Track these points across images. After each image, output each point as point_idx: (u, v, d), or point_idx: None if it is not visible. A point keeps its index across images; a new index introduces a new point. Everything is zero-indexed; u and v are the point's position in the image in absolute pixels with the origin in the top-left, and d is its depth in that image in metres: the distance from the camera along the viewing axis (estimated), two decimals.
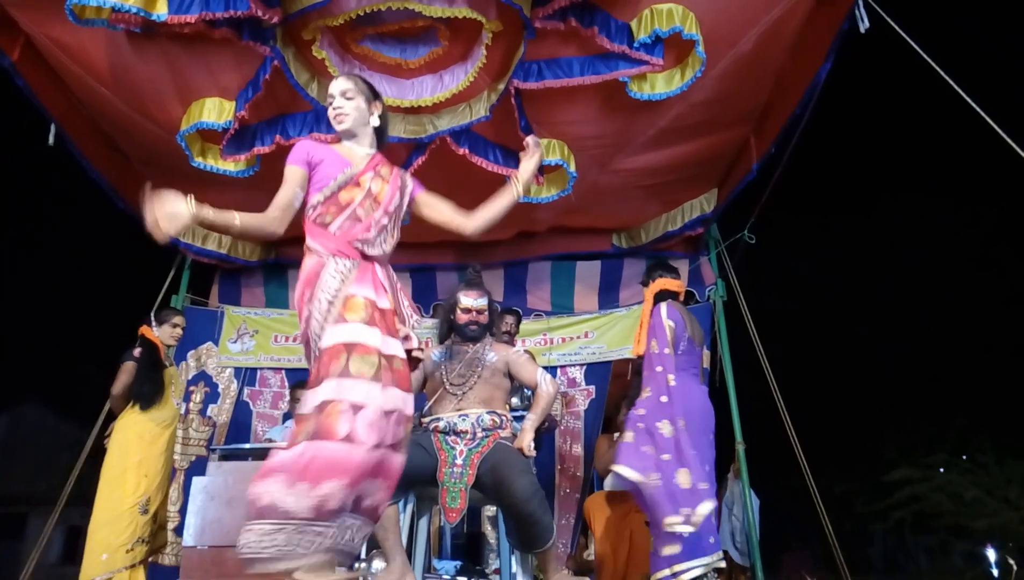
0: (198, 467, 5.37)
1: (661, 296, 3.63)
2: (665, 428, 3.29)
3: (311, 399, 1.94)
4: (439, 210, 2.46)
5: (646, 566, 3.52)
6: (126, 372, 4.14)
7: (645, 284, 3.78)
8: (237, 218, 2.10)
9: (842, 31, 3.67)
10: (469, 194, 4.93)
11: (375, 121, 2.40)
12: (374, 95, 2.43)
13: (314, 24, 3.72)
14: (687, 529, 3.14)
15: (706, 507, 3.16)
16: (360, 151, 2.36)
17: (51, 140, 4.24)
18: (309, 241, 2.21)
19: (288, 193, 2.23)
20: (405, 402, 2.06)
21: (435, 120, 4.28)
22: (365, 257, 2.21)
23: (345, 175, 2.25)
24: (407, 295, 2.34)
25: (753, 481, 5.33)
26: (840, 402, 14.08)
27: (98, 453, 4.19)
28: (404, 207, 2.39)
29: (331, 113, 2.39)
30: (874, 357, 14.62)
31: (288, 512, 1.81)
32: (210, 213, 2.03)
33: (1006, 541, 11.13)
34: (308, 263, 2.18)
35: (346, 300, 2.08)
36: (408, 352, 2.23)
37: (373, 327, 2.06)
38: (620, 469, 3.30)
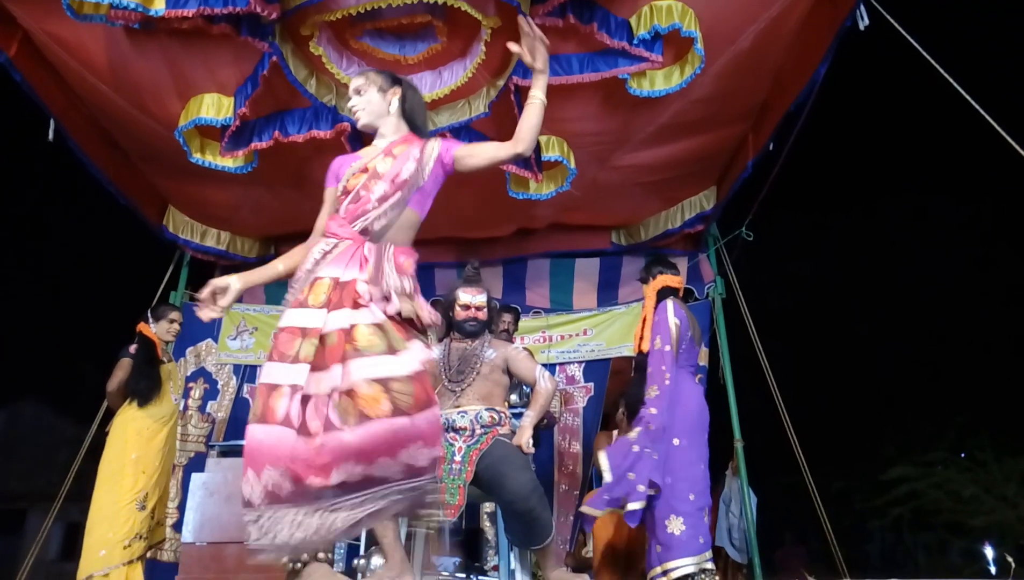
0: (197, 463, 5.37)
1: (663, 293, 3.63)
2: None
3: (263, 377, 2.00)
4: (482, 152, 2.31)
5: (643, 563, 3.54)
6: (122, 368, 4.14)
7: (644, 280, 3.77)
8: (280, 266, 2.25)
9: (841, 28, 3.67)
10: (470, 190, 4.97)
11: (394, 107, 2.35)
12: (392, 81, 2.38)
13: (312, 20, 3.71)
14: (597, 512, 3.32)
15: (633, 506, 3.19)
16: (382, 143, 2.33)
17: (51, 136, 4.24)
18: None
19: (322, 217, 2.32)
20: (339, 377, 1.93)
21: (434, 117, 4.27)
22: (364, 236, 2.17)
23: (352, 168, 2.26)
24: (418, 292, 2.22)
25: (751, 478, 5.33)
26: (839, 399, 14.07)
27: (97, 449, 4.19)
28: (424, 174, 2.27)
29: (352, 110, 2.38)
30: (873, 354, 14.62)
31: (249, 501, 1.83)
32: (255, 276, 2.21)
33: (1004, 539, 11.14)
34: None
35: (313, 282, 2.09)
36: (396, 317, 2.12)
37: (321, 309, 2.02)
38: (600, 457, 3.35)
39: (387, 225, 2.21)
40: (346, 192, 2.23)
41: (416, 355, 2.00)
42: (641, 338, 3.62)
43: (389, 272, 2.14)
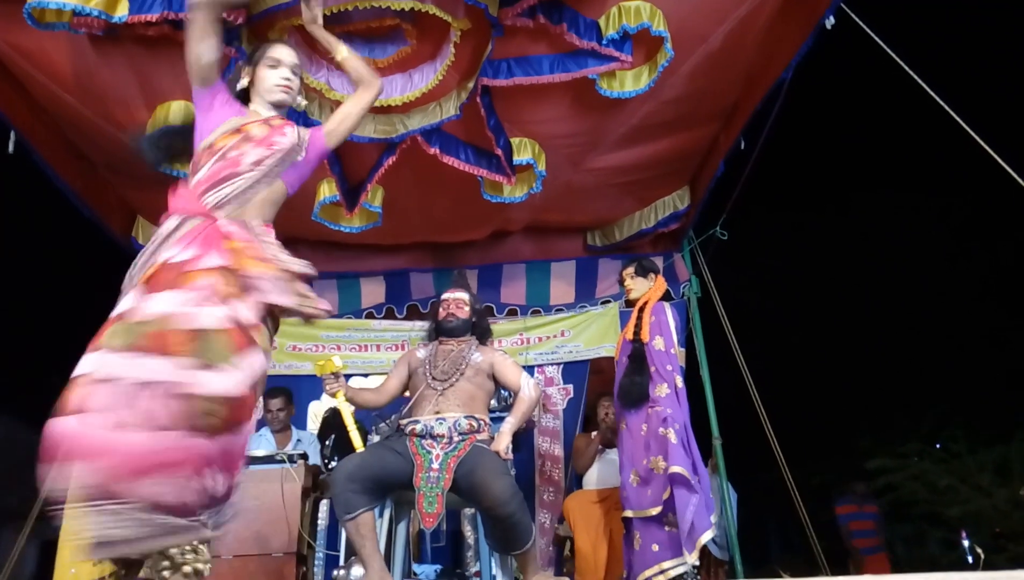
0: None
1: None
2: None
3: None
4: (346, 114, 2.38)
5: (621, 565, 3.56)
6: None
7: (643, 274, 3.86)
8: None
9: (815, 29, 3.68)
10: (441, 192, 4.94)
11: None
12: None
13: (280, 24, 3.67)
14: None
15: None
16: (264, 112, 2.26)
17: (11, 148, 4.14)
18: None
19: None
20: (168, 372, 1.64)
21: (405, 119, 4.24)
22: (218, 210, 1.96)
23: (225, 126, 2.09)
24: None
25: (730, 475, 5.36)
26: (815, 394, 14.20)
27: None
28: (301, 150, 2.20)
29: (280, 81, 2.28)
30: (848, 349, 14.78)
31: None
32: None
33: (980, 527, 11.28)
34: None
35: (152, 269, 1.82)
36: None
37: (150, 293, 1.75)
38: (679, 470, 3.29)
39: (255, 195, 2.04)
40: (211, 150, 2.04)
41: (236, 377, 1.71)
42: (639, 327, 3.65)
43: (269, 247, 1.95)
